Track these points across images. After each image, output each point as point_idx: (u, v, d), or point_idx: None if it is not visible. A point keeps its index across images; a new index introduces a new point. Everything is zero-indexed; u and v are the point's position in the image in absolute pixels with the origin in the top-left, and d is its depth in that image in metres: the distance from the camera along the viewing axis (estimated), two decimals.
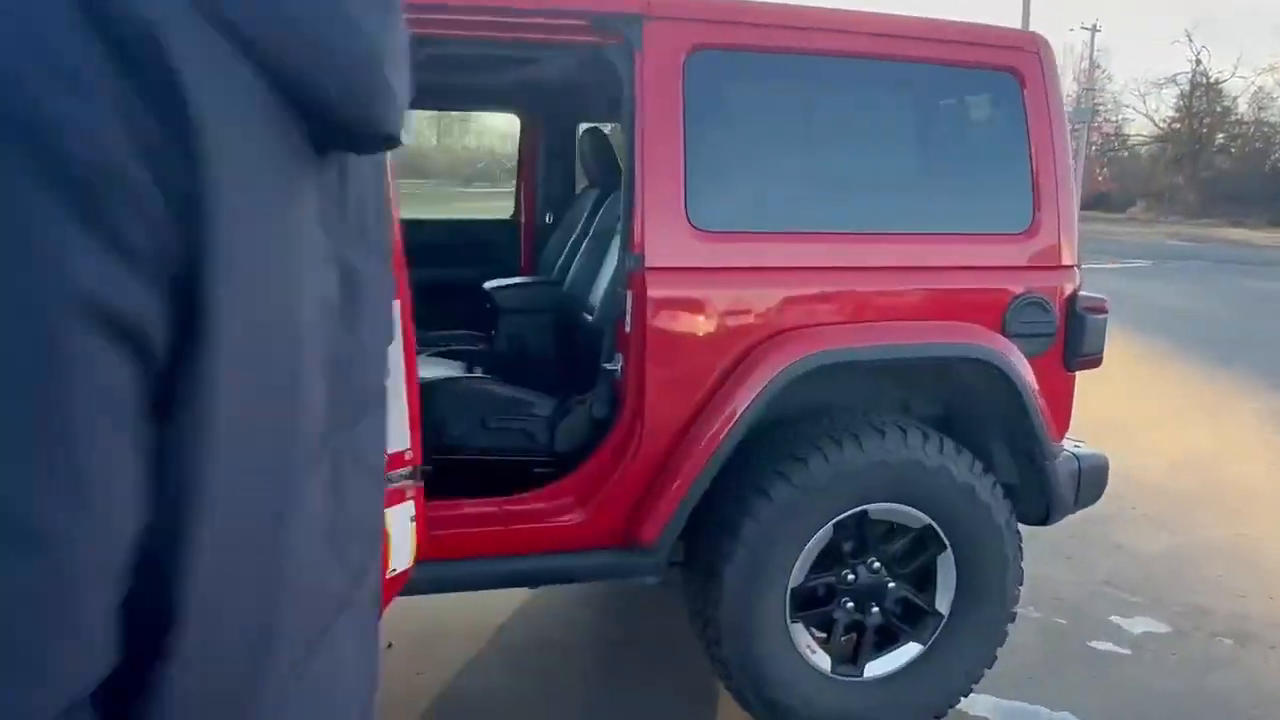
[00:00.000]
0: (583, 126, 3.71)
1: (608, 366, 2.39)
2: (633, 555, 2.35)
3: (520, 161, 3.98)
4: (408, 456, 1.50)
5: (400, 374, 1.47)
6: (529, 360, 2.97)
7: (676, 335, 2.30)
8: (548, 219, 3.88)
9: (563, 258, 3.34)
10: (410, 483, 1.49)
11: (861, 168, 2.52)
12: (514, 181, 4.06)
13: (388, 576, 1.44)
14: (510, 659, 2.91)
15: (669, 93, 2.27)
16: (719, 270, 2.33)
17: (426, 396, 2.46)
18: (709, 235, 2.31)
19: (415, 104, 3.97)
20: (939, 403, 2.70)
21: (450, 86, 3.56)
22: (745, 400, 2.28)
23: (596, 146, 3.37)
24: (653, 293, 2.26)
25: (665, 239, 2.28)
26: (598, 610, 3.23)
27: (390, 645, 2.94)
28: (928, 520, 2.43)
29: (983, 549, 2.46)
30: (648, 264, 2.26)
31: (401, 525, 1.44)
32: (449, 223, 4.30)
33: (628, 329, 2.31)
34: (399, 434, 1.48)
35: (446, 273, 3.79)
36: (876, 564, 2.45)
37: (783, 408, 2.36)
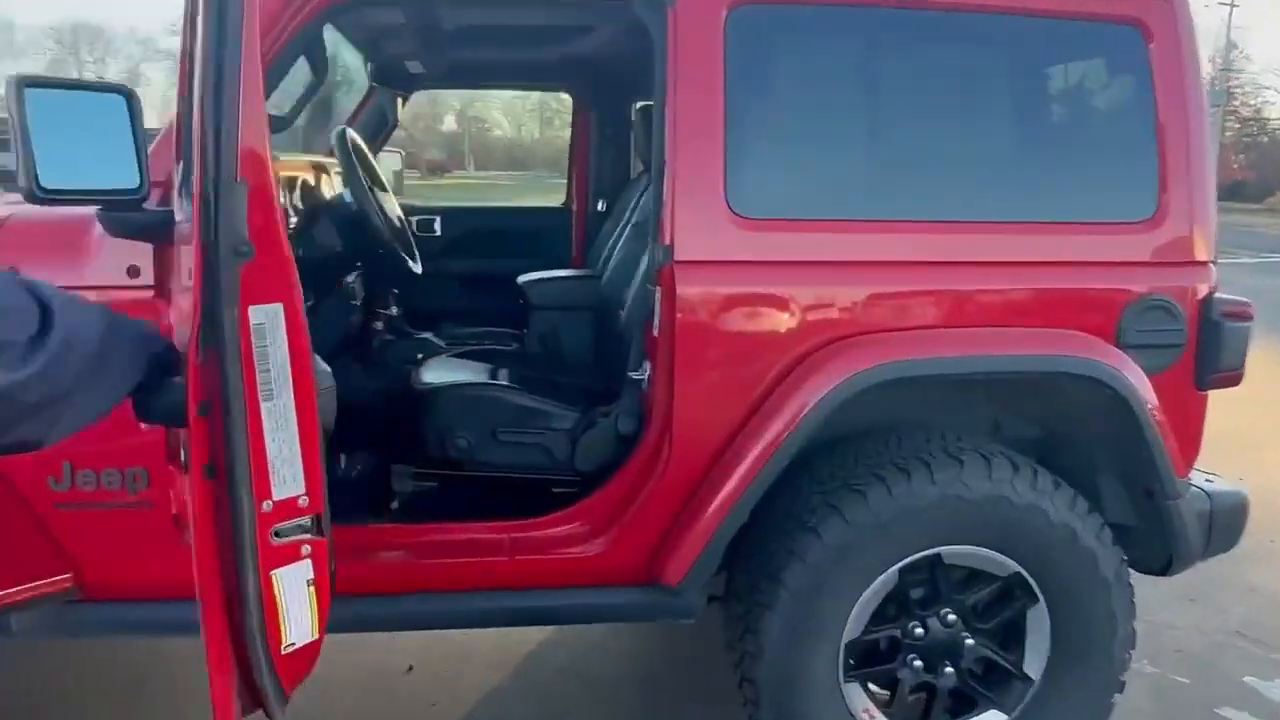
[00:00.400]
0: (637, 105, 3.39)
1: (634, 376, 2.07)
2: (657, 595, 2.02)
3: (572, 144, 3.68)
4: (302, 503, 1.21)
5: (286, 393, 1.18)
6: (561, 364, 2.67)
7: (711, 340, 1.95)
8: (600, 206, 3.58)
9: (607, 249, 3.02)
10: (306, 537, 1.20)
11: (941, 142, 2.10)
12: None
13: (284, 653, 1.16)
14: (533, 689, 2.63)
15: (707, 54, 1.92)
16: (764, 265, 1.97)
17: (430, 403, 2.20)
18: (753, 223, 1.95)
19: (463, 82, 3.74)
20: (1036, 424, 2.26)
21: (495, 62, 3.29)
22: (793, 418, 1.92)
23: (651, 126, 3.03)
24: (683, 290, 1.92)
25: (699, 228, 1.94)
26: (630, 638, 2.91)
27: (411, 669, 2.71)
28: (1016, 567, 2.02)
29: (1084, 604, 2.03)
30: (678, 257, 1.92)
31: (295, 591, 1.16)
32: (497, 210, 4.05)
33: (655, 331, 1.98)
34: (288, 472, 1.19)
35: (491, 263, 3.54)
36: (951, 616, 2.05)
37: (839, 425, 1.99)
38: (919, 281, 2.01)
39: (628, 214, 3.00)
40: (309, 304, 2.60)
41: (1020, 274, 2.05)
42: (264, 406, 1.14)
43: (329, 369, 1.33)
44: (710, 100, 1.91)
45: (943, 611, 2.05)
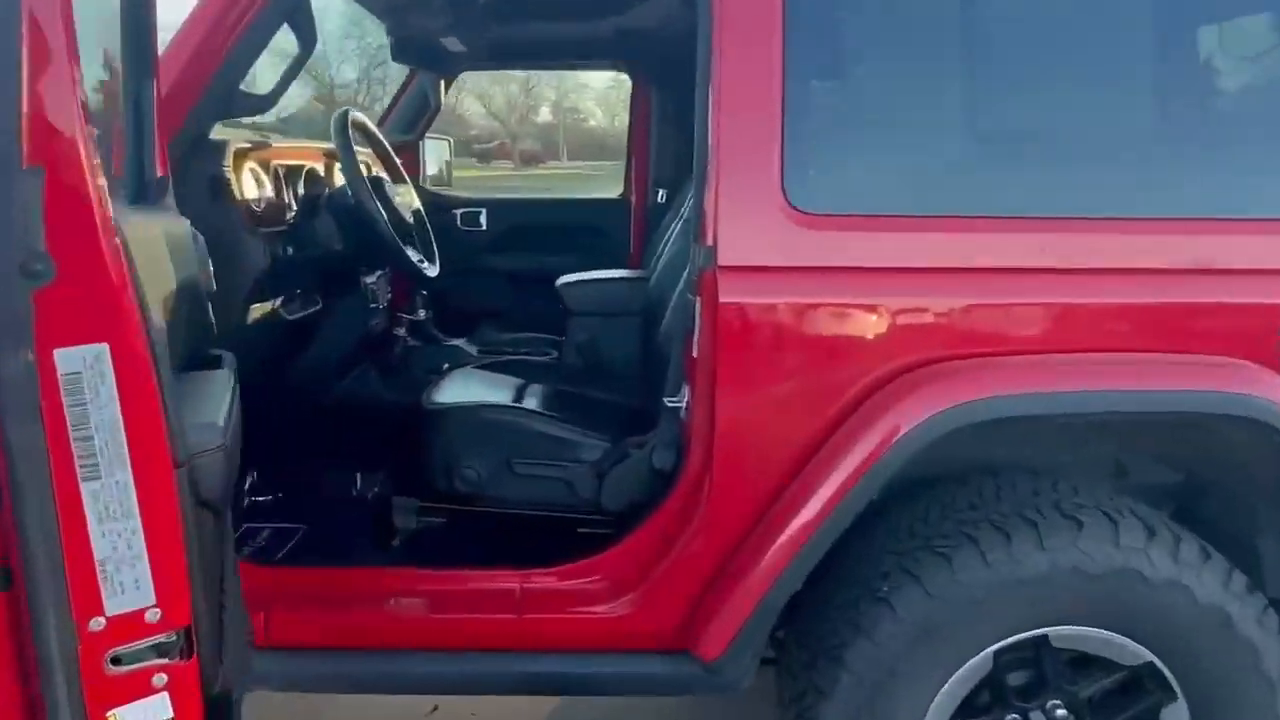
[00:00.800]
0: None
1: (671, 402, 1.72)
2: (693, 666, 1.67)
3: (631, 128, 3.34)
4: (152, 618, 0.88)
5: (122, 468, 0.86)
6: (599, 380, 2.34)
7: (762, 362, 1.59)
8: (659, 197, 3.22)
9: (660, 247, 2.68)
10: (162, 662, 0.88)
11: (1062, 116, 1.68)
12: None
13: None
14: None
15: (759, 7, 1.55)
16: (829, 271, 1.59)
17: (439, 425, 1.90)
18: (815, 220, 1.57)
19: (509, 62, 3.42)
20: (1174, 467, 1.82)
21: (543, 38, 2.97)
22: (864, 462, 1.54)
23: None
24: (727, 300, 1.56)
25: (748, 225, 1.57)
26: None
27: (435, 709, 2.44)
28: (1148, 656, 1.59)
29: (1239, 706, 1.59)
30: (722, 261, 1.57)
31: None
32: (549, 203, 3.74)
33: (695, 350, 1.63)
34: (128, 577, 0.87)
35: (538, 261, 3.24)
36: (1061, 711, 1.64)
37: (920, 467, 1.60)
38: (1031, 293, 1.60)
39: (685, 207, 2.64)
40: (318, 307, 2.36)
41: (1162, 284, 1.61)
42: (85, 489, 0.84)
43: (219, 421, 1.03)
44: (763, 62, 1.54)
45: (1050, 704, 1.63)
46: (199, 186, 1.68)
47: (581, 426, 1.91)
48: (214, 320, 1.40)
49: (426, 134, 3.20)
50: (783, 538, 1.58)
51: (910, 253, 1.61)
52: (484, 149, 27.64)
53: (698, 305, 1.62)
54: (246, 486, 2.36)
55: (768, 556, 1.59)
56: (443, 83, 3.12)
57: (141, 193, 1.34)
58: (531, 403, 2.06)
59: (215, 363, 1.20)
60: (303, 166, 2.13)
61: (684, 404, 1.69)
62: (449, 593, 1.76)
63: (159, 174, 1.40)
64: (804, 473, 1.60)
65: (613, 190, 3.53)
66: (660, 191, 3.23)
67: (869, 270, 1.60)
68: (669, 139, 3.21)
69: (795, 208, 1.57)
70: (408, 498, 1.92)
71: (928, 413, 1.50)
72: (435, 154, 3.34)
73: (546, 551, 1.79)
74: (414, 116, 3.10)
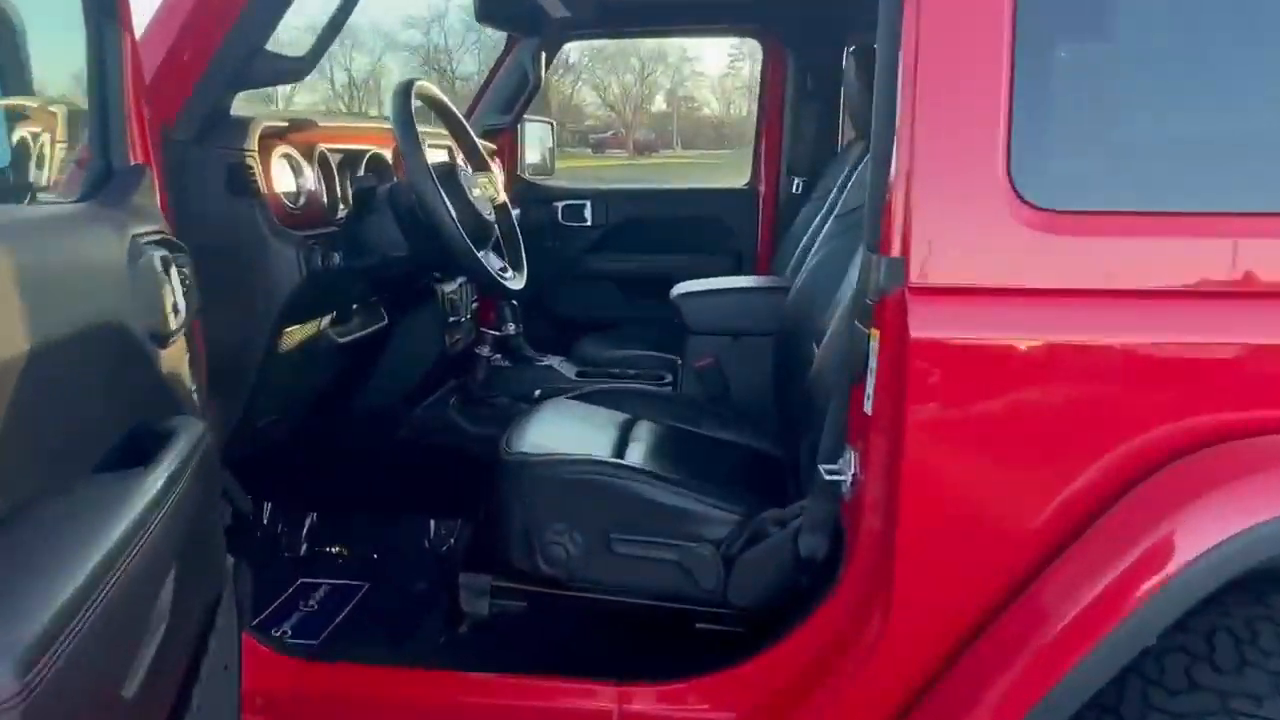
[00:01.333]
0: (851, 48, 2.51)
1: (829, 472, 1.24)
2: None
3: (760, 104, 2.82)
4: None
5: None
6: (728, 418, 1.85)
7: (976, 425, 1.09)
8: (795, 187, 2.71)
9: (799, 249, 2.18)
10: None
11: None
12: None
13: None
14: None
15: None
16: (1082, 295, 1.08)
17: (517, 483, 1.48)
18: (1060, 220, 1.06)
19: (621, 28, 2.91)
20: None
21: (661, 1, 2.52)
22: (1147, 581, 1.02)
23: (870, 74, 2.13)
24: (922, 335, 1.07)
25: (956, 228, 1.08)
26: None
27: None
28: None
29: None
30: (914, 279, 1.08)
31: None
32: (663, 193, 3.26)
33: (867, 405, 1.15)
34: None
35: (651, 262, 2.80)
36: None
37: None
38: None
39: (831, 198, 2.14)
40: (381, 325, 1.98)
41: None
42: None
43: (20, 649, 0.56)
44: (984, 9, 1.04)
45: None
46: (213, 177, 1.30)
47: (704, 490, 1.44)
48: (196, 363, 1.01)
49: (525, 116, 2.79)
50: (1004, 684, 1.08)
51: (1206, 264, 1.07)
52: (599, 139, 27.63)
53: (873, 341, 1.14)
54: (304, 531, 2.02)
55: (986, 700, 1.09)
56: (543, 54, 2.69)
57: (97, 186, 0.96)
58: (638, 450, 1.60)
59: (162, 441, 0.80)
60: (363, 152, 1.73)
61: (848, 479, 1.21)
62: (524, 710, 1.34)
63: (131, 161, 1.01)
64: (1038, 591, 1.09)
65: (737, 179, 3.04)
66: (796, 180, 2.71)
67: (1143, 293, 1.07)
68: (809, 117, 2.69)
69: (1025, 200, 1.06)
70: (478, 574, 1.50)
71: (1268, 513, 0.97)
72: (536, 138, 2.93)
73: (653, 658, 1.35)
74: (511, 95, 2.69)
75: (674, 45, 31.82)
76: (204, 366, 1.26)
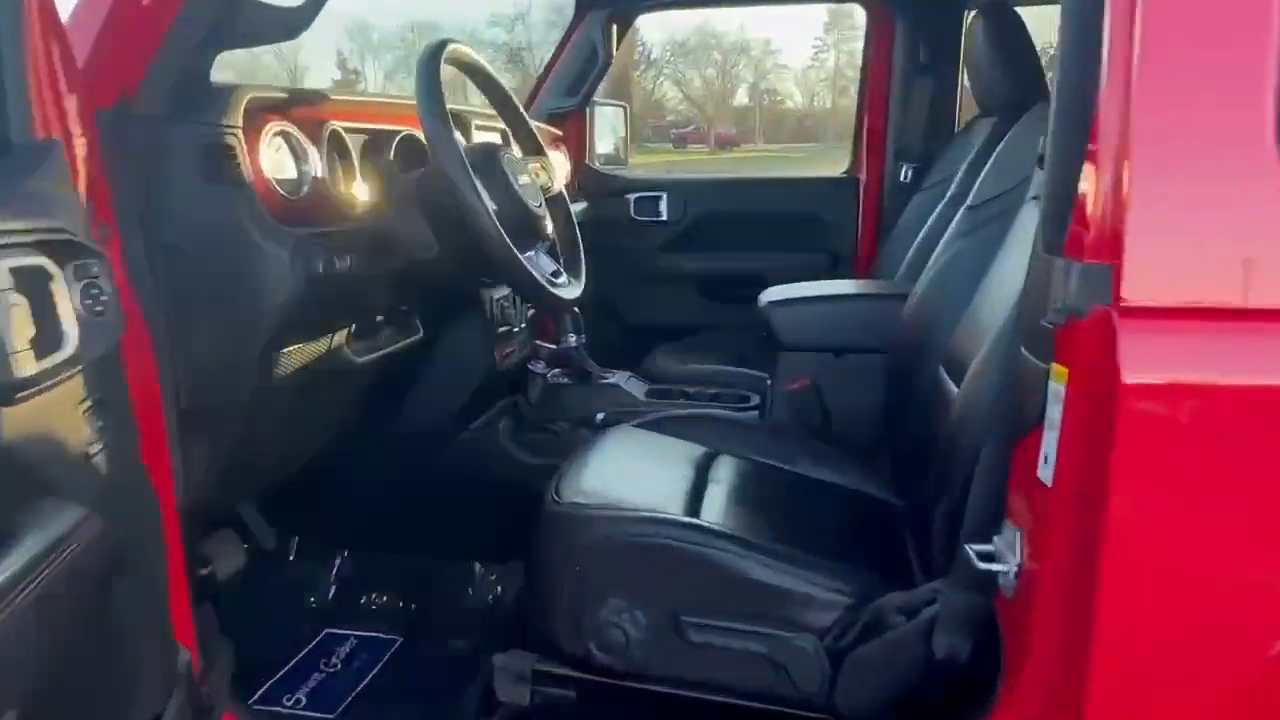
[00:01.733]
0: (972, 12, 2.14)
1: (981, 556, 0.90)
2: None
3: (863, 82, 2.46)
4: None
5: None
6: (829, 456, 1.50)
7: (1229, 509, 0.75)
8: (904, 175, 2.35)
9: (914, 248, 1.82)
10: None
11: None
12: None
13: None
14: None
15: None
16: None
17: (565, 546, 1.19)
18: None
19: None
20: None
21: None
22: None
23: (1003, 37, 1.76)
24: (1139, 378, 0.73)
25: (1198, 219, 0.73)
26: None
27: None
28: None
29: None
30: (1127, 296, 0.74)
31: None
32: (750, 184, 2.91)
33: (1044, 470, 0.82)
34: None
35: (734, 261, 2.48)
36: None
37: None
38: None
39: (955, 186, 1.77)
40: (415, 338, 1.70)
41: None
42: None
43: None
44: None
45: None
46: (183, 161, 1.03)
47: (805, 563, 1.11)
48: (108, 409, 0.74)
49: (594, 99, 2.49)
50: None
51: None
52: (681, 134, 27.37)
53: (1055, 382, 0.80)
54: (334, 572, 1.77)
55: None
56: (614, 27, 2.39)
57: None
58: (718, 495, 1.28)
59: None
60: (394, 134, 1.45)
61: (1011, 570, 0.87)
62: None
63: (31, 137, 0.75)
64: None
65: (833, 167, 2.69)
66: (905, 167, 2.34)
67: None
68: (921, 94, 2.32)
69: None
70: (519, 653, 1.20)
71: None
72: (607, 124, 2.63)
73: None
74: (579, 75, 2.39)
75: (756, 38, 31.35)
76: (172, 399, 1.00)
